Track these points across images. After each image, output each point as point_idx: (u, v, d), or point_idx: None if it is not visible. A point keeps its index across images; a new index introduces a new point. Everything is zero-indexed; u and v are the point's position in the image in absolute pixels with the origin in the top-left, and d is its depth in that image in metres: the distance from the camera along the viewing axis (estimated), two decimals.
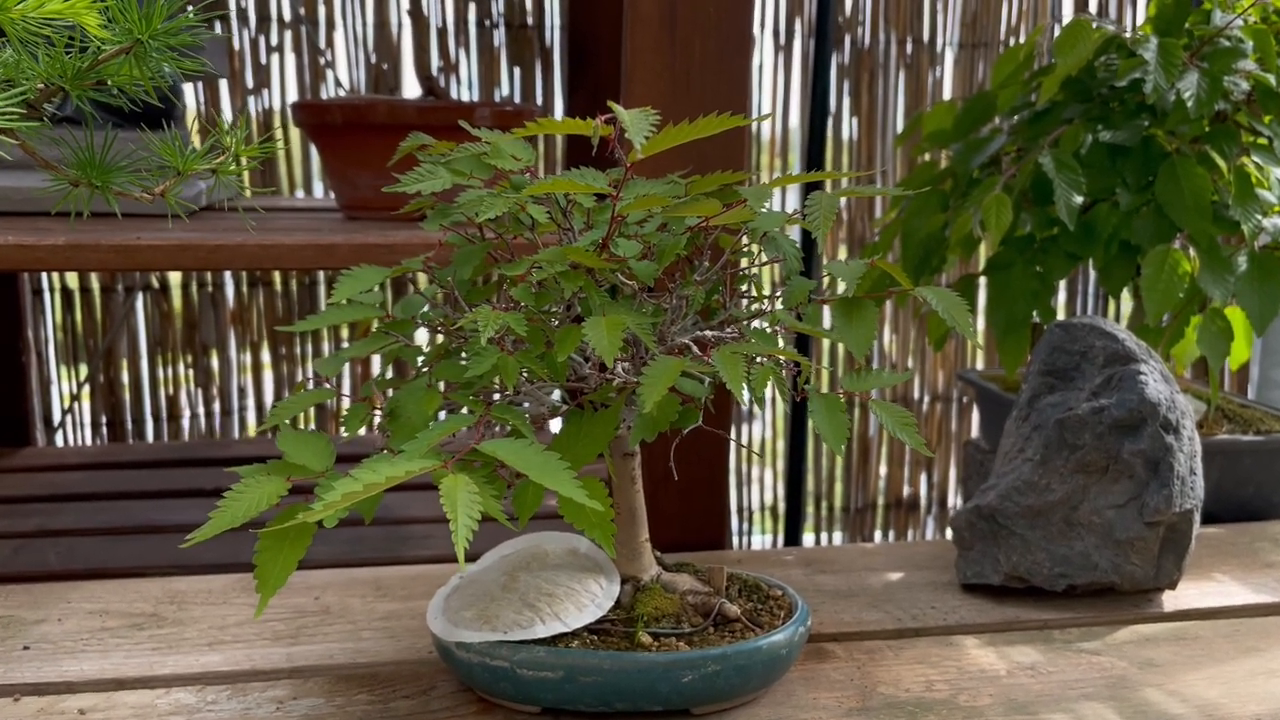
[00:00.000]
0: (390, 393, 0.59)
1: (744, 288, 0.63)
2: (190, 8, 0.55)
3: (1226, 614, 0.76)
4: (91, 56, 0.51)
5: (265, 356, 1.62)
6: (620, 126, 0.48)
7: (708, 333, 0.58)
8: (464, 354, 0.56)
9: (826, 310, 0.61)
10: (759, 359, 0.55)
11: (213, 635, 0.71)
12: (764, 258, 0.62)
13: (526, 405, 0.59)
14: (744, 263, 0.62)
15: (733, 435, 1.73)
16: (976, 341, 0.58)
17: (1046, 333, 0.82)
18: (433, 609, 0.63)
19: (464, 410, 0.54)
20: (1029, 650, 0.69)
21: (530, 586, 0.61)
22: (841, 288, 0.59)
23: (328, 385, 0.62)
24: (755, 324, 0.60)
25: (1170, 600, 0.77)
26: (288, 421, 0.58)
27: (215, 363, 1.60)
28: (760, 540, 1.79)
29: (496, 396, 0.58)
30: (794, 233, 1.39)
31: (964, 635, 0.72)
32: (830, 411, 0.55)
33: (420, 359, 0.61)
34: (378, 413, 0.59)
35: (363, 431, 0.59)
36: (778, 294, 0.61)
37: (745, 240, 0.61)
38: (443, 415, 0.56)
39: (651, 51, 0.80)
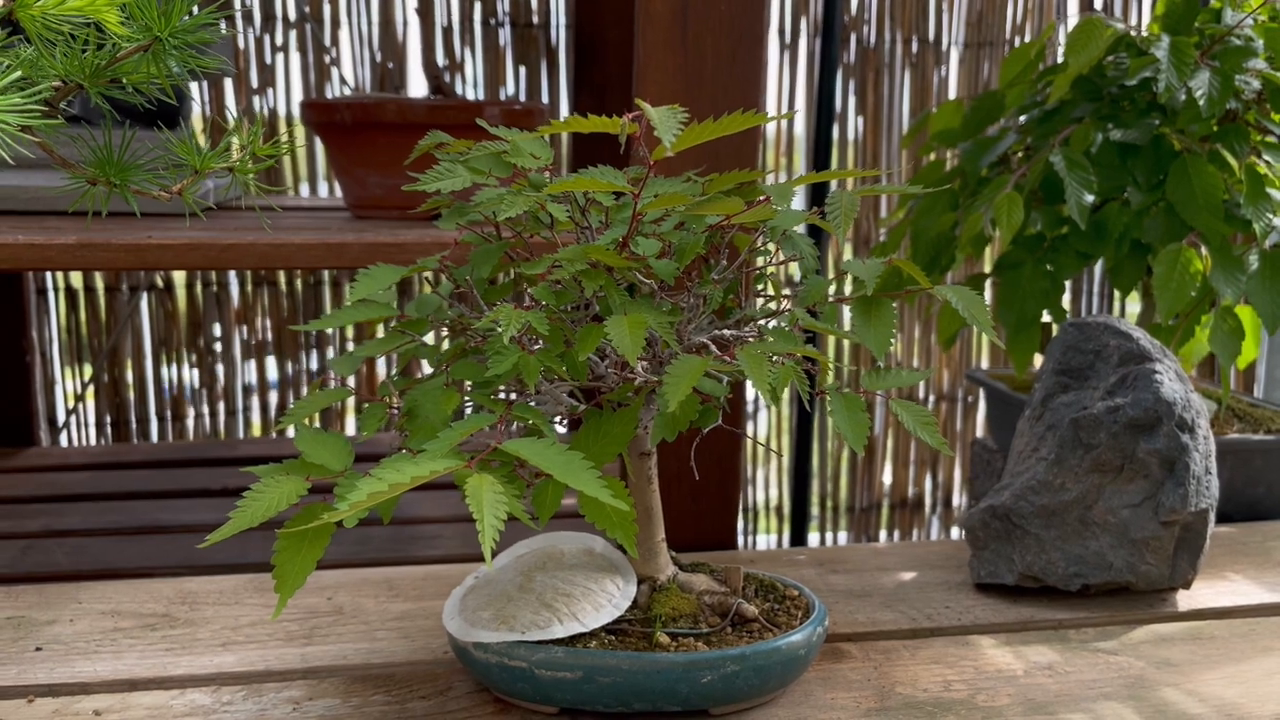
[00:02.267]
0: (404, 392, 0.59)
1: (760, 286, 0.63)
2: (206, 5, 0.55)
3: (1241, 613, 0.76)
4: (110, 54, 0.51)
5: (270, 356, 1.62)
6: (646, 124, 0.47)
7: (727, 332, 0.57)
8: (483, 353, 0.56)
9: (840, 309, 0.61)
10: (779, 358, 0.55)
11: (226, 636, 0.70)
12: (780, 256, 0.62)
13: (535, 404, 0.58)
14: (760, 261, 0.62)
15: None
16: (996, 339, 0.57)
17: (1060, 332, 0.82)
18: (448, 609, 0.63)
19: (483, 409, 0.54)
20: (1045, 650, 0.69)
21: (547, 587, 0.61)
22: (850, 287, 0.59)
23: (341, 384, 0.62)
24: (773, 323, 0.59)
25: (1185, 599, 0.77)
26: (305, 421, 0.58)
27: (220, 362, 1.60)
28: (765, 540, 1.79)
29: (513, 396, 0.58)
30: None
31: (980, 635, 0.71)
32: (850, 411, 0.55)
33: (437, 358, 0.60)
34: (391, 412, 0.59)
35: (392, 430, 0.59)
36: (794, 293, 0.61)
37: (763, 239, 0.61)
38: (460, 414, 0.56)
39: (664, 50, 0.80)
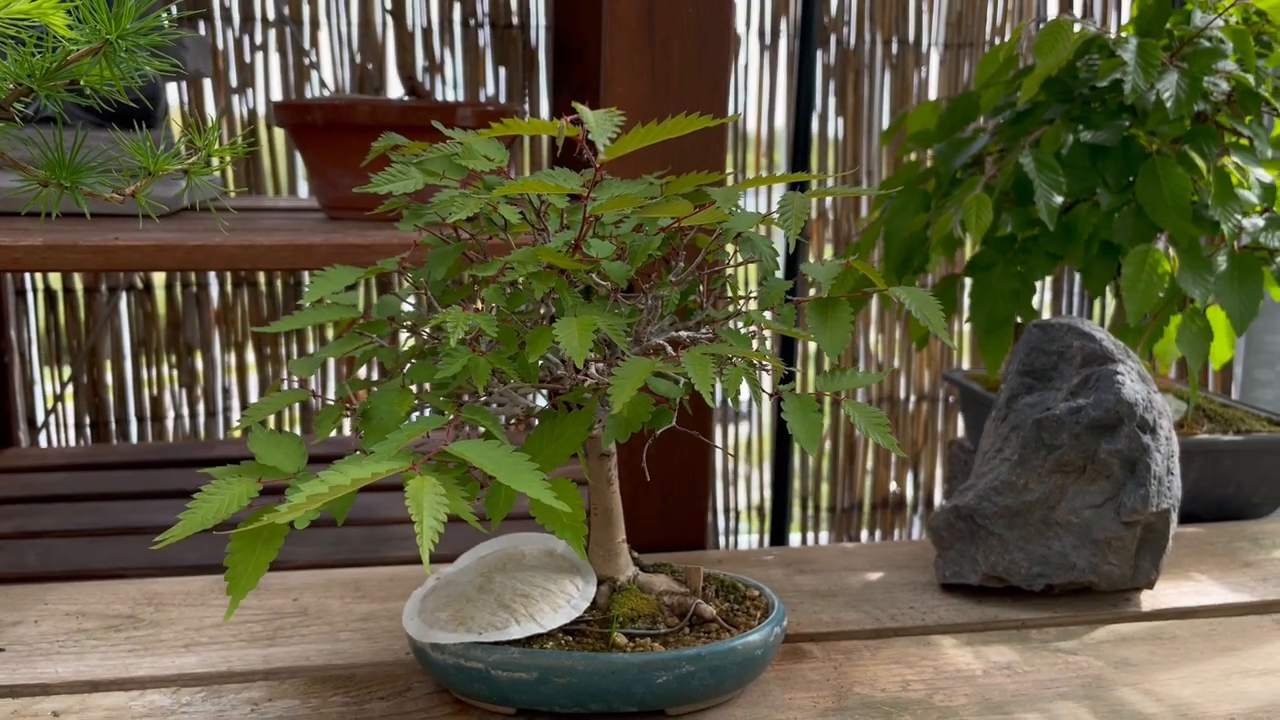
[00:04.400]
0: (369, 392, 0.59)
1: (718, 287, 0.63)
2: (173, 8, 0.55)
3: (1203, 613, 0.76)
4: (60, 57, 0.51)
5: (250, 357, 1.62)
6: (587, 127, 0.48)
7: (683, 333, 0.58)
8: (437, 355, 0.56)
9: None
10: (732, 359, 0.55)
11: (189, 637, 0.70)
12: (739, 258, 0.62)
13: (494, 405, 0.58)
14: (722, 263, 0.62)
15: (719, 435, 1.73)
16: (950, 341, 0.58)
17: (1025, 333, 0.82)
18: (408, 610, 0.63)
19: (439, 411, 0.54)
20: (1006, 650, 0.69)
21: (506, 588, 0.61)
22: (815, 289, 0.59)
23: (305, 386, 0.62)
24: (731, 324, 0.59)
25: (1148, 600, 0.77)
26: (260, 423, 0.58)
27: (199, 363, 1.60)
28: (747, 540, 1.79)
29: (479, 397, 0.58)
30: (778, 233, 1.39)
31: (941, 635, 0.72)
32: (804, 412, 0.55)
33: (394, 360, 0.60)
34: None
35: (350, 432, 0.59)
36: (754, 294, 0.61)
37: (721, 241, 0.61)
38: (416, 416, 0.56)
39: (631, 52, 0.80)
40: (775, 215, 0.58)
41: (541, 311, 0.58)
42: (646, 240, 0.55)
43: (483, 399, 0.56)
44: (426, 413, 0.56)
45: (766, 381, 0.57)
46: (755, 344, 0.57)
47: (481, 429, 0.54)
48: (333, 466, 0.46)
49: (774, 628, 0.61)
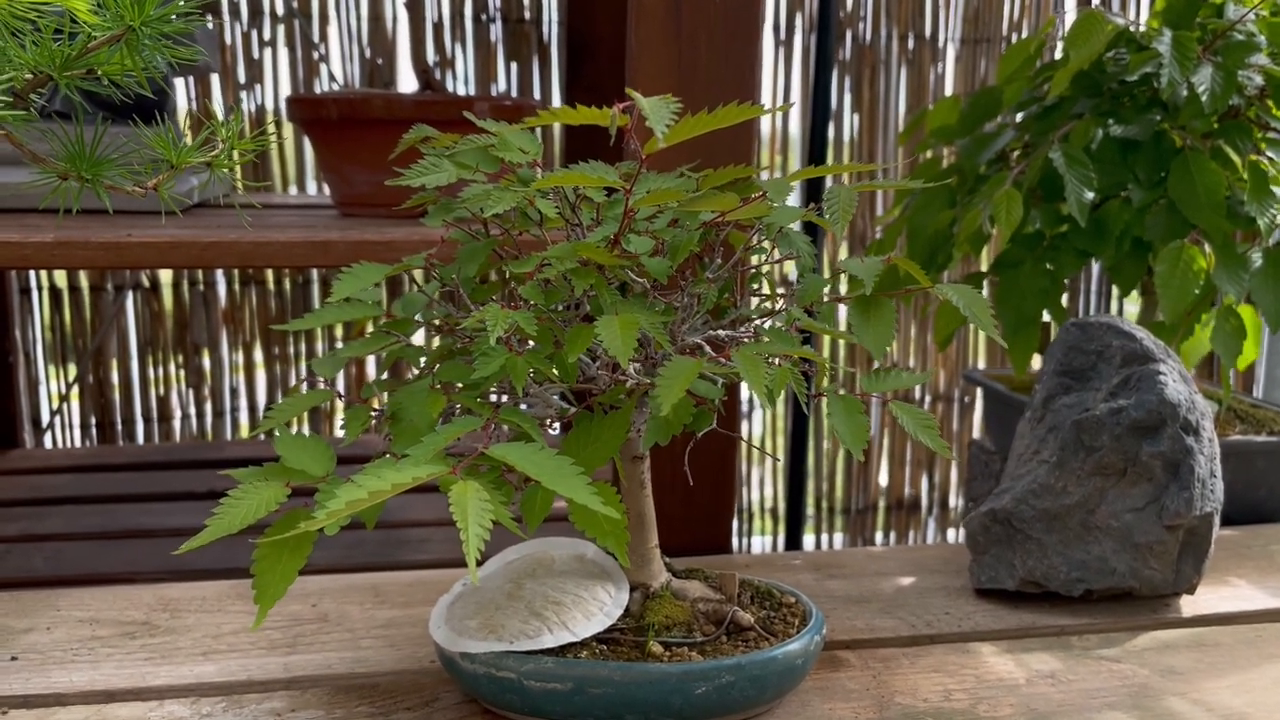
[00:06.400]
0: (390, 394, 0.57)
1: (755, 285, 0.61)
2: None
3: (1246, 619, 0.74)
4: (81, 44, 0.49)
5: (258, 356, 1.60)
6: (637, 117, 0.46)
7: (722, 332, 0.56)
8: (471, 354, 0.54)
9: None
10: (775, 359, 0.53)
11: (207, 644, 0.68)
12: (777, 254, 0.60)
13: (526, 407, 0.57)
14: (756, 259, 0.60)
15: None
16: (998, 338, 0.56)
17: (1062, 332, 0.80)
18: (435, 617, 0.61)
19: (470, 412, 0.52)
20: (1047, 658, 0.67)
21: (537, 594, 0.59)
22: (846, 286, 0.57)
23: (325, 386, 0.60)
24: (769, 323, 0.58)
25: (1188, 605, 0.75)
26: (285, 424, 0.56)
27: (207, 363, 1.58)
28: (760, 542, 1.77)
29: (502, 398, 0.56)
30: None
31: (980, 642, 0.70)
32: (849, 414, 0.53)
33: (422, 360, 0.58)
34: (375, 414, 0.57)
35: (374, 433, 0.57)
36: (791, 292, 0.59)
37: (758, 237, 0.59)
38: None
39: (659, 44, 0.78)
40: (818, 210, 0.56)
41: (564, 308, 0.56)
42: (687, 235, 0.53)
43: (518, 400, 0.55)
44: (456, 413, 0.54)
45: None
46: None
47: (510, 430, 0.52)
48: (366, 470, 0.45)
49: (814, 636, 0.59)
